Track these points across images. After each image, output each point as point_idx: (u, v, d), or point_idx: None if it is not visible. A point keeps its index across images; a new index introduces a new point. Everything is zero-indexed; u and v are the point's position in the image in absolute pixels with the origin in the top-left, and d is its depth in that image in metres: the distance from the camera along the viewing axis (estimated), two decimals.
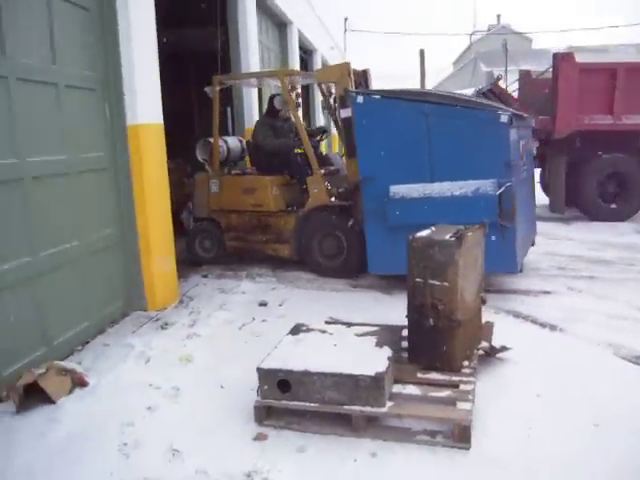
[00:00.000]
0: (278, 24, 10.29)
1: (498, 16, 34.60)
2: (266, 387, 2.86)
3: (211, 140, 6.38)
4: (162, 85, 4.99)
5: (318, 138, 6.89)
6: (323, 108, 6.85)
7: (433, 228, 3.25)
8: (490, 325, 3.66)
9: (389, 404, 2.78)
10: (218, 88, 6.23)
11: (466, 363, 3.17)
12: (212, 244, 6.40)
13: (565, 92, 8.04)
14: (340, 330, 3.32)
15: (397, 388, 2.94)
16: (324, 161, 6.46)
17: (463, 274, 3.02)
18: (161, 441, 2.79)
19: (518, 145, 5.07)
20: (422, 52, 29.47)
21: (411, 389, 2.94)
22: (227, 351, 3.88)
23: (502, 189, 4.46)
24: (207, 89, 6.35)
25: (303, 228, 5.86)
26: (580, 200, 8.67)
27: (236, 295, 5.18)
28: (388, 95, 4.90)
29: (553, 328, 4.18)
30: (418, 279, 3.08)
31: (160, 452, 2.71)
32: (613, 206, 8.55)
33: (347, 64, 5.80)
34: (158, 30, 4.90)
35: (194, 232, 6.53)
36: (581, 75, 8.04)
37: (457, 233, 3.03)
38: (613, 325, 4.21)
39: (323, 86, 6.27)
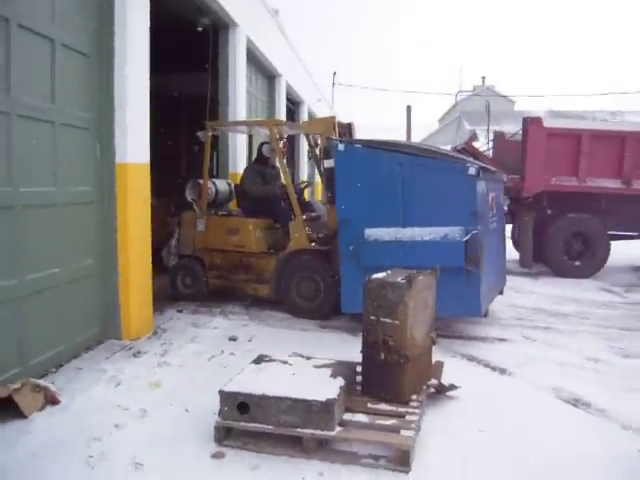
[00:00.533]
0: (267, 76, 10.89)
1: (483, 78, 36.31)
2: (226, 409, 3.12)
3: (201, 181, 6.73)
4: (152, 125, 5.38)
5: (302, 186, 7.31)
6: (309, 157, 7.29)
7: (389, 271, 3.59)
8: (440, 364, 3.97)
9: (338, 429, 3.05)
10: (211, 133, 6.65)
11: (414, 397, 3.46)
12: (194, 281, 6.64)
13: (533, 154, 8.60)
14: (299, 362, 3.60)
15: (347, 416, 3.21)
16: (306, 207, 6.80)
17: (413, 314, 3.35)
18: (125, 455, 3.02)
19: (487, 197, 5.47)
20: (409, 108, 30.61)
21: (360, 417, 3.21)
22: (194, 379, 4.12)
23: (468, 236, 4.80)
24: (200, 133, 6.74)
25: (283, 270, 6.13)
26: (547, 256, 9.13)
27: (208, 330, 5.44)
28: (367, 145, 5.31)
29: (503, 372, 4.49)
30: (372, 317, 3.40)
31: (123, 465, 2.94)
32: (577, 263, 9.00)
33: (332, 117, 6.24)
34: (151, 74, 5.32)
35: (177, 268, 6.78)
36: (549, 138, 8.63)
37: (408, 276, 3.38)
38: (560, 371, 4.53)
39: (310, 137, 6.72)
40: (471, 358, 4.79)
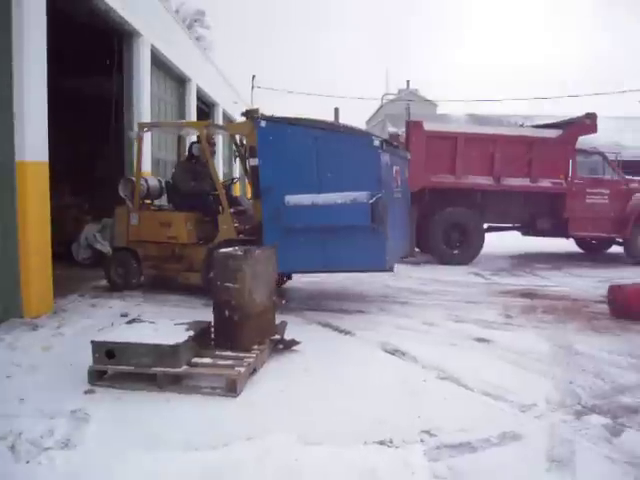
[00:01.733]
0: (177, 79, 11.72)
1: (407, 81, 38.23)
2: (97, 355, 4.00)
3: (133, 178, 7.47)
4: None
5: (229, 182, 8.17)
6: (235, 156, 8.09)
7: (236, 248, 4.56)
8: (284, 323, 4.97)
9: (185, 367, 3.98)
10: (142, 133, 7.46)
11: (255, 347, 4.43)
12: (127, 271, 7.29)
13: (415, 153, 9.76)
14: (164, 322, 4.52)
15: (196, 359, 4.15)
16: (234, 202, 7.57)
17: (250, 279, 4.33)
18: (13, 395, 3.84)
19: (391, 169, 6.51)
20: (337, 110, 31.69)
21: (206, 360, 4.16)
22: (82, 344, 4.80)
23: (374, 199, 5.80)
24: (131, 133, 7.45)
25: (212, 259, 6.89)
26: (429, 246, 10.39)
27: (104, 309, 6.28)
28: (286, 121, 6.23)
29: (347, 333, 5.55)
30: (219, 282, 4.36)
31: (10, 400, 3.76)
32: (456, 252, 10.30)
33: (256, 110, 6.83)
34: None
35: (111, 260, 7.46)
36: (428, 140, 9.87)
37: (246, 250, 4.36)
38: (396, 332, 5.60)
39: (236, 137, 7.52)
40: (326, 324, 5.83)
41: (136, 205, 7.36)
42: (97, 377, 4.03)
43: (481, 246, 10.35)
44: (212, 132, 7.64)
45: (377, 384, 4.20)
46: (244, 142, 7.12)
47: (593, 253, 12.08)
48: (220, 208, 7.01)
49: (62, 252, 9.03)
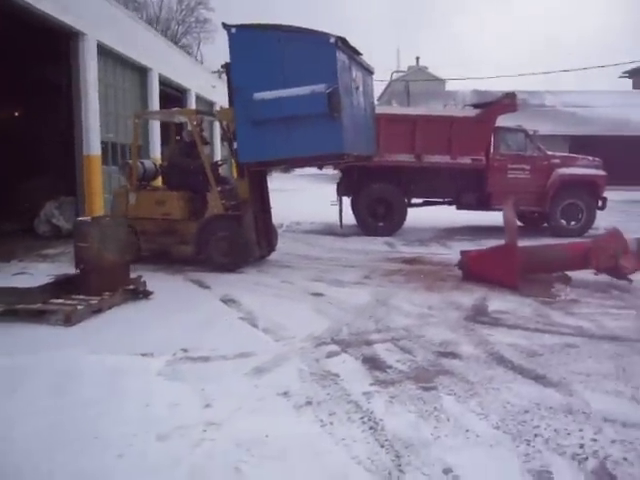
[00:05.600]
0: (136, 69, 13.45)
1: (417, 59, 39.04)
2: None
3: (130, 162, 8.98)
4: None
5: (220, 163, 9.71)
6: (222, 140, 9.51)
7: (90, 217, 6.24)
8: (139, 277, 6.61)
9: (39, 305, 5.69)
10: (137, 121, 9.07)
11: (107, 294, 6.10)
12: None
13: None
14: (41, 275, 6.26)
15: (53, 300, 5.85)
16: (221, 181, 8.88)
17: (98, 240, 6.00)
18: None
19: (349, 70, 7.66)
20: None
21: (60, 301, 5.86)
22: None
23: (330, 89, 6.94)
24: (134, 120, 9.07)
25: (202, 233, 8.18)
26: (357, 219, 11.84)
27: (30, 270, 8.02)
28: (253, 27, 7.47)
29: (206, 287, 7.16)
30: (77, 243, 6.05)
31: None
32: (381, 224, 11.71)
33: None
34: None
35: None
36: None
37: (95, 217, 6.03)
38: (247, 288, 7.09)
39: (223, 123, 8.88)
40: (195, 281, 7.46)
41: (133, 185, 8.60)
42: None
43: (404, 219, 11.74)
44: (200, 119, 9.02)
45: (190, 321, 5.70)
46: (229, 127, 8.17)
47: (532, 226, 13.19)
48: (209, 187, 8.20)
49: (28, 227, 11.03)
